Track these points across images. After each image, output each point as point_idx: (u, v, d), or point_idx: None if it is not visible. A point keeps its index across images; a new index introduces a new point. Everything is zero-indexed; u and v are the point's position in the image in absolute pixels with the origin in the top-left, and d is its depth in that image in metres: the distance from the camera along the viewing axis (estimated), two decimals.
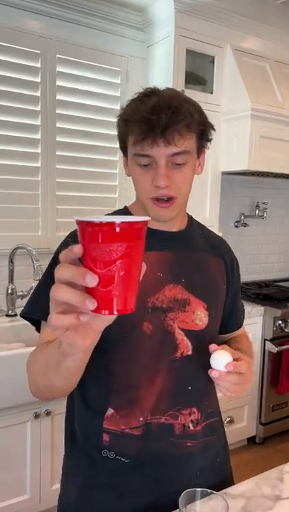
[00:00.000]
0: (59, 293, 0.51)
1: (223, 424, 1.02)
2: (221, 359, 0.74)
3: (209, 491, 0.65)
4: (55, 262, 0.85)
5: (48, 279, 0.87)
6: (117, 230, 0.49)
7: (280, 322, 2.41)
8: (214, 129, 0.92)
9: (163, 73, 2.30)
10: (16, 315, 2.09)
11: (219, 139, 2.42)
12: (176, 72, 2.24)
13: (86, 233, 0.50)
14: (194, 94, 2.30)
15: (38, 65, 2.13)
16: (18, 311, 2.11)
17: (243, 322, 1.10)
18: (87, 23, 2.22)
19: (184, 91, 0.85)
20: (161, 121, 0.79)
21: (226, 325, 1.03)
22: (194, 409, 0.89)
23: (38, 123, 2.16)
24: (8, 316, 2.08)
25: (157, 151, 0.82)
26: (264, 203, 2.98)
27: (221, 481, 0.94)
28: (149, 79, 2.40)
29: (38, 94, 2.14)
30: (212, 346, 0.78)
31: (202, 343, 0.87)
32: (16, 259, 2.13)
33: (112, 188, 2.43)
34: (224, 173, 2.51)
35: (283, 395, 2.48)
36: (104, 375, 0.87)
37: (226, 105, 2.42)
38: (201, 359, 0.84)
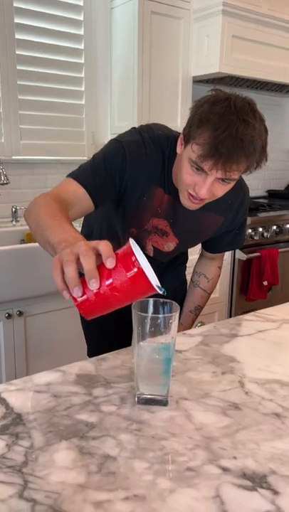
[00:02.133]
0: (68, 268, 0.58)
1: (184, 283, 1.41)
2: None
3: (162, 300, 0.66)
4: (106, 156, 1.00)
5: (100, 164, 0.99)
6: (141, 279, 0.56)
7: (250, 230, 2.44)
8: (266, 160, 0.91)
9: None
10: None
11: (189, 40, 2.30)
12: None
13: (125, 260, 0.57)
14: None
15: None
16: None
17: (223, 251, 1.31)
18: None
19: None
20: (230, 157, 0.83)
21: (206, 247, 1.30)
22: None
23: None
24: None
25: (212, 172, 0.87)
26: None
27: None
28: None
29: None
30: None
31: (162, 255, 1.19)
32: None
33: (79, 94, 2.32)
34: (195, 82, 2.41)
35: (252, 302, 2.57)
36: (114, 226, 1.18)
37: (196, 2, 2.27)
38: (160, 258, 1.19)
